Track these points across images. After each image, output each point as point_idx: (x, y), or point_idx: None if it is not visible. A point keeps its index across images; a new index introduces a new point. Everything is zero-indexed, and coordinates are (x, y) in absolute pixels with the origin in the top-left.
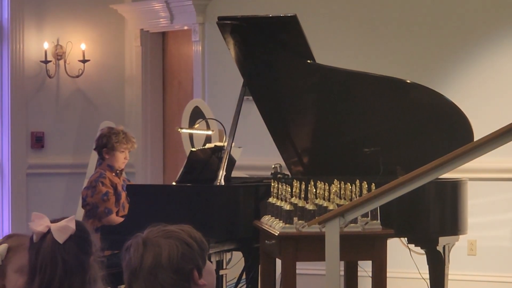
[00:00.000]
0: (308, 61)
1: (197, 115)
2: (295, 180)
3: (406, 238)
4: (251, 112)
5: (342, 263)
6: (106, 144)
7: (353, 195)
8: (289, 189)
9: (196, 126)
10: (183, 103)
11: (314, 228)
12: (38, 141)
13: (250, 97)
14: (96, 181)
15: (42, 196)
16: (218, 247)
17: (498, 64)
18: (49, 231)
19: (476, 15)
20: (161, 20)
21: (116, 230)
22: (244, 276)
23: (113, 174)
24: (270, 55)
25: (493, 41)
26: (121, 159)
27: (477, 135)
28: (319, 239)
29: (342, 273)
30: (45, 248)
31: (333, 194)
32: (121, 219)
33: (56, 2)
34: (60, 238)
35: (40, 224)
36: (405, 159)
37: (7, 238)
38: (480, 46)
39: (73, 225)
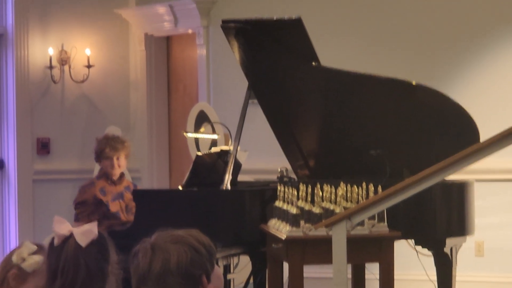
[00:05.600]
0: (313, 63)
1: (202, 119)
2: (301, 183)
3: (413, 240)
4: (257, 116)
5: (350, 265)
6: (96, 153)
7: (359, 197)
8: (296, 193)
9: (202, 130)
10: (188, 107)
11: (321, 231)
12: (44, 147)
13: (255, 100)
14: (82, 188)
15: (49, 202)
16: (225, 252)
17: (504, 65)
18: (71, 235)
19: (482, 16)
20: (165, 24)
21: (123, 235)
22: (251, 280)
23: (108, 182)
24: (275, 58)
25: (499, 43)
26: (110, 166)
27: (483, 136)
28: (326, 242)
29: (349, 276)
30: (67, 251)
31: (340, 196)
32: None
33: (61, 7)
34: (83, 242)
35: (62, 227)
36: (412, 160)
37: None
38: (486, 47)
39: (95, 230)
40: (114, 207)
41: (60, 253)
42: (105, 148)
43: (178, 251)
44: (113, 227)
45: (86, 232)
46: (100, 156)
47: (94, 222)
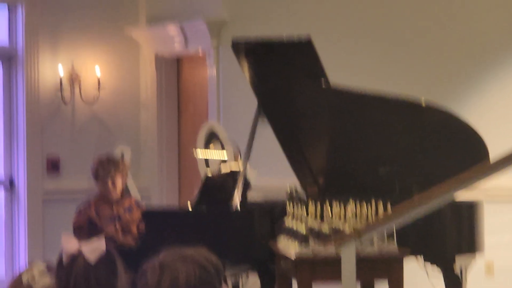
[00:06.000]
0: (323, 82)
1: (212, 138)
2: (310, 201)
3: (422, 257)
4: (266, 134)
5: (358, 283)
6: (92, 174)
7: (369, 215)
8: (305, 210)
9: (211, 146)
10: (198, 127)
11: (330, 250)
12: (54, 167)
13: (265, 119)
14: (78, 209)
15: (59, 222)
16: (234, 269)
17: None
18: (79, 253)
19: (492, 34)
20: (175, 44)
21: (132, 254)
22: None
23: (106, 203)
24: (284, 77)
25: (510, 60)
26: (103, 188)
27: (493, 154)
28: (335, 260)
29: None
30: (77, 269)
31: (349, 214)
32: None
33: (71, 28)
34: (92, 258)
35: (70, 245)
36: (421, 178)
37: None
38: (497, 65)
39: (103, 246)
40: (109, 230)
41: (70, 271)
42: (98, 170)
43: (186, 269)
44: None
45: (94, 249)
46: (95, 178)
47: (102, 238)
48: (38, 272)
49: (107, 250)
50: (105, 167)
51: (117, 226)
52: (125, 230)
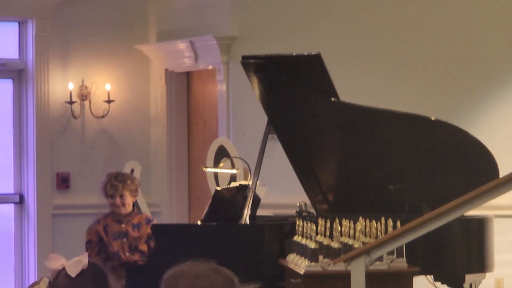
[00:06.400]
0: (332, 98)
1: (222, 154)
2: (320, 218)
3: (432, 276)
4: (276, 150)
5: None
6: (102, 190)
7: (378, 232)
8: (314, 227)
9: (221, 165)
10: (208, 142)
11: (340, 266)
12: (63, 182)
13: (275, 135)
14: (89, 226)
15: (68, 237)
16: (244, 286)
17: None
18: (63, 268)
19: (502, 52)
20: (185, 60)
21: (141, 270)
22: None
23: (114, 220)
24: (294, 94)
25: None
26: (113, 205)
27: (503, 172)
28: (345, 277)
29: None
30: (60, 283)
31: (359, 231)
32: None
33: (81, 43)
34: (72, 272)
35: (55, 263)
36: (431, 196)
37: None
38: (506, 82)
39: (85, 260)
40: (115, 246)
41: (54, 284)
42: (106, 186)
43: (221, 281)
44: (115, 267)
45: (75, 263)
46: (104, 194)
47: (85, 254)
48: (45, 286)
49: (92, 264)
50: (114, 184)
51: (125, 242)
52: (132, 247)
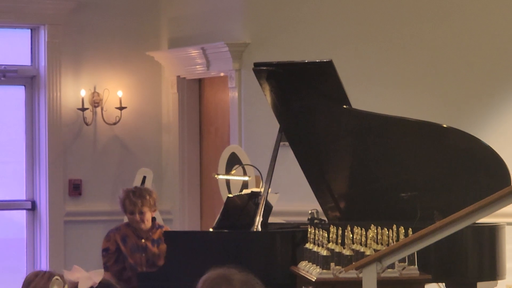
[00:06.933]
0: (344, 106)
1: (233, 161)
2: (331, 226)
3: (444, 284)
4: (288, 158)
5: None
6: (120, 206)
7: (390, 240)
8: (326, 235)
9: (233, 172)
10: (220, 149)
11: (351, 274)
12: (75, 189)
13: (287, 143)
14: (108, 233)
15: (80, 243)
16: None
17: None
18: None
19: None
20: (197, 66)
21: (154, 277)
22: None
23: (135, 233)
24: (306, 101)
25: None
26: (133, 222)
27: None
28: (356, 284)
29: None
30: None
31: (370, 239)
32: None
33: (93, 49)
34: (82, 286)
35: (73, 274)
36: (442, 203)
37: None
38: None
39: (97, 279)
40: (133, 259)
41: None
42: (125, 202)
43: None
44: (130, 279)
45: (86, 279)
46: (123, 210)
47: (100, 272)
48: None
49: (106, 284)
50: (133, 200)
51: (143, 257)
52: (150, 262)
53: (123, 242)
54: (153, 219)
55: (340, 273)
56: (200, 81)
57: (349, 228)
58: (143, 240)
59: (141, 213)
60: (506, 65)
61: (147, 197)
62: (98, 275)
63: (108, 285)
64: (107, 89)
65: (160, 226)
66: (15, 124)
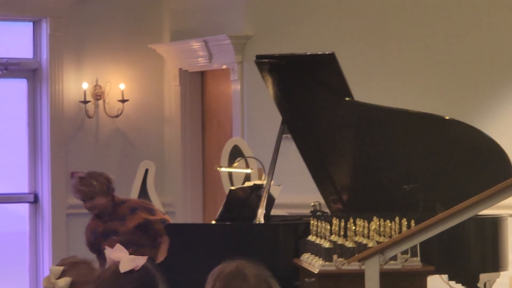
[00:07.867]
0: (346, 98)
1: (236, 154)
2: (334, 218)
3: (446, 275)
4: (290, 150)
5: None
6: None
7: (392, 232)
8: (329, 227)
9: (235, 164)
10: (223, 142)
11: (354, 266)
12: None
13: (289, 135)
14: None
15: (82, 236)
16: None
17: None
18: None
19: None
20: (199, 59)
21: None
22: None
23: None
24: (308, 93)
25: None
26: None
27: None
28: (359, 276)
29: None
30: (105, 275)
31: (373, 231)
32: None
33: (95, 42)
34: (122, 268)
35: (115, 253)
36: (445, 195)
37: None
38: None
39: (139, 262)
40: (109, 245)
41: (100, 277)
42: (75, 194)
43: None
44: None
45: (129, 260)
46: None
47: (144, 257)
48: (55, 276)
49: (148, 269)
50: (80, 189)
51: (116, 240)
52: (129, 242)
53: (94, 236)
54: (112, 197)
55: (342, 265)
56: (202, 74)
57: (351, 220)
58: (109, 223)
59: (92, 199)
60: (507, 59)
61: (94, 183)
62: (142, 259)
63: (148, 270)
64: (109, 82)
65: (122, 202)
66: (17, 117)
